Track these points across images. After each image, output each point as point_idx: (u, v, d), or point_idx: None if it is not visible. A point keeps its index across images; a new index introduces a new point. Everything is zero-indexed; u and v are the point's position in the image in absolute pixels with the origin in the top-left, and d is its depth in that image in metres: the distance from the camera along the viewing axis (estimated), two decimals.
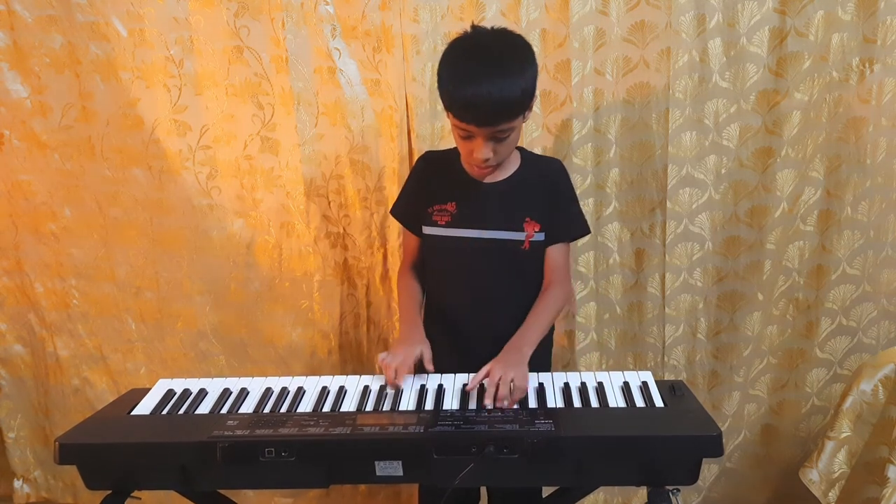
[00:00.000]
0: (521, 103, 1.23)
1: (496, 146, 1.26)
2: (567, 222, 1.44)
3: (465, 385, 1.24)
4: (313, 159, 1.75)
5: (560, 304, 1.42)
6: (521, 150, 1.42)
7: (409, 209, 1.48)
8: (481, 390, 1.21)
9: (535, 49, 1.63)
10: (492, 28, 1.27)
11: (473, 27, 1.28)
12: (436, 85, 1.26)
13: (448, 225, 1.39)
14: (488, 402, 1.16)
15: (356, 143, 1.75)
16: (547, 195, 1.41)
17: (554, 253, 1.43)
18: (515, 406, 1.15)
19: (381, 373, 1.27)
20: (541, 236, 1.39)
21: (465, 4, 1.64)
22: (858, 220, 1.70)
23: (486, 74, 1.19)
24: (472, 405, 1.17)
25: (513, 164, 1.40)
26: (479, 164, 1.29)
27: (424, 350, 1.31)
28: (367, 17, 1.66)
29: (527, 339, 1.32)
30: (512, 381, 1.17)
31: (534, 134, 1.70)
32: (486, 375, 1.21)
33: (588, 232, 1.48)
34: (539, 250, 1.41)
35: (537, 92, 1.28)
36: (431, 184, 1.43)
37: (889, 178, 1.67)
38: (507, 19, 1.64)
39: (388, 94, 1.71)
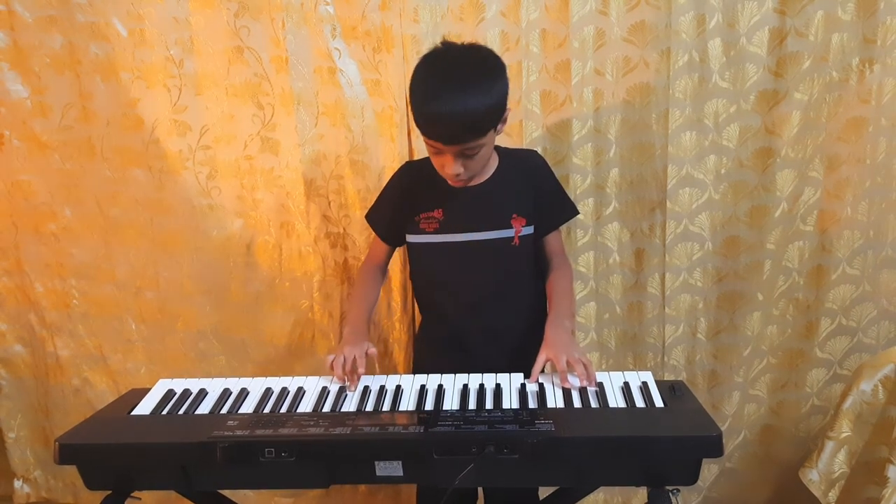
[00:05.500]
0: (487, 120, 1.23)
1: (466, 162, 1.27)
2: (558, 210, 1.49)
3: (471, 385, 1.23)
4: (313, 159, 1.76)
5: (572, 280, 1.50)
6: (496, 147, 1.42)
7: (385, 217, 1.50)
8: (478, 393, 1.21)
9: (535, 49, 1.65)
10: (462, 44, 1.28)
11: (444, 43, 1.28)
12: None
13: (437, 231, 1.41)
14: (569, 384, 1.20)
15: (356, 143, 1.75)
16: (532, 189, 1.44)
17: (551, 240, 1.48)
18: (516, 406, 1.15)
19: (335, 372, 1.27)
20: (529, 230, 1.42)
21: (465, 4, 1.64)
22: (858, 220, 1.70)
23: (450, 92, 1.19)
24: (472, 405, 1.17)
25: (492, 164, 1.42)
26: (451, 179, 1.31)
27: (369, 347, 1.30)
28: (367, 18, 1.67)
29: (563, 312, 1.36)
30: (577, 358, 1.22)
31: (534, 134, 1.70)
32: (545, 363, 1.25)
33: (577, 212, 1.54)
34: (529, 244, 1.43)
35: (509, 105, 1.29)
36: (415, 193, 1.44)
37: (889, 179, 1.67)
38: (507, 20, 1.64)
39: (388, 94, 1.71)
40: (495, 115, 1.24)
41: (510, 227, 1.40)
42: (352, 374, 1.26)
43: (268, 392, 1.25)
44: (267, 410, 1.19)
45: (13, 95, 1.78)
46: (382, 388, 1.24)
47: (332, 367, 1.28)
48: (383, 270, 1.56)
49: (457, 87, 1.20)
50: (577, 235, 1.76)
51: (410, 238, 1.45)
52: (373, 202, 1.54)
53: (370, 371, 1.30)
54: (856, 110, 1.63)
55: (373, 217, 1.53)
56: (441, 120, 1.20)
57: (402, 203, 1.45)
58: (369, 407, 1.19)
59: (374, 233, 1.54)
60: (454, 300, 1.45)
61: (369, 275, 1.52)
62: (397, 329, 1.86)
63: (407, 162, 1.59)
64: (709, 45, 1.62)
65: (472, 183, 1.40)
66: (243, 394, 1.25)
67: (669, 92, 1.64)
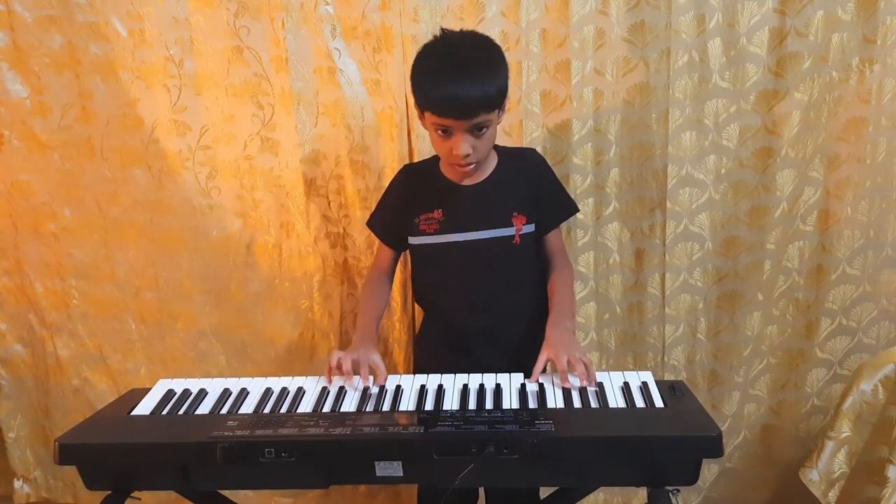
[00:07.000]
0: (497, 96, 1.25)
1: (475, 142, 1.28)
2: (558, 207, 1.49)
3: (471, 385, 1.23)
4: (313, 159, 1.76)
5: (573, 280, 1.49)
6: (494, 147, 1.43)
7: (387, 222, 1.50)
8: (479, 393, 1.21)
9: (535, 49, 1.65)
10: (461, 31, 1.31)
11: (442, 31, 1.30)
12: None
13: (437, 232, 1.41)
14: (569, 384, 1.20)
15: (356, 143, 1.75)
16: (531, 187, 1.44)
17: (552, 238, 1.48)
18: (516, 406, 1.15)
19: (335, 373, 1.27)
20: (530, 228, 1.42)
21: (465, 4, 1.64)
22: (858, 219, 1.70)
23: (463, 68, 1.23)
24: (472, 405, 1.17)
25: (491, 163, 1.42)
26: (460, 162, 1.30)
27: (374, 356, 1.30)
28: (367, 17, 1.66)
29: (565, 312, 1.36)
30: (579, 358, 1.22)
31: (534, 134, 1.70)
32: (546, 363, 1.25)
33: (577, 209, 1.54)
34: (530, 242, 1.43)
35: (509, 105, 1.31)
36: (415, 195, 1.44)
37: (889, 178, 1.67)
38: (507, 19, 1.64)
39: (388, 94, 1.71)
40: (502, 92, 1.27)
41: (510, 225, 1.40)
42: (349, 375, 1.26)
43: (268, 392, 1.25)
44: (267, 410, 1.19)
45: (13, 95, 1.78)
46: (382, 388, 1.24)
47: (328, 369, 1.28)
48: (390, 276, 1.55)
49: (467, 63, 1.23)
50: (577, 235, 1.76)
51: (411, 240, 1.45)
52: (374, 207, 1.54)
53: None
54: (856, 110, 1.63)
55: (374, 222, 1.54)
56: (457, 94, 1.21)
57: (402, 205, 1.46)
58: (369, 407, 1.19)
59: (377, 237, 1.55)
60: (455, 300, 1.45)
61: (376, 281, 1.52)
62: (397, 329, 1.86)
63: (405, 165, 1.60)
64: (709, 45, 1.62)
65: (471, 181, 1.40)
66: (243, 394, 1.25)
67: (669, 92, 1.64)
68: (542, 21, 1.64)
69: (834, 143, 1.67)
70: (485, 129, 1.27)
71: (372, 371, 1.28)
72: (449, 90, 1.22)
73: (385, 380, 1.27)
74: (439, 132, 1.28)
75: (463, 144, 1.26)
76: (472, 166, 1.33)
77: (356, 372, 1.26)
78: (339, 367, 1.26)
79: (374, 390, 1.24)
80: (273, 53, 1.69)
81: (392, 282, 1.57)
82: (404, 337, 1.87)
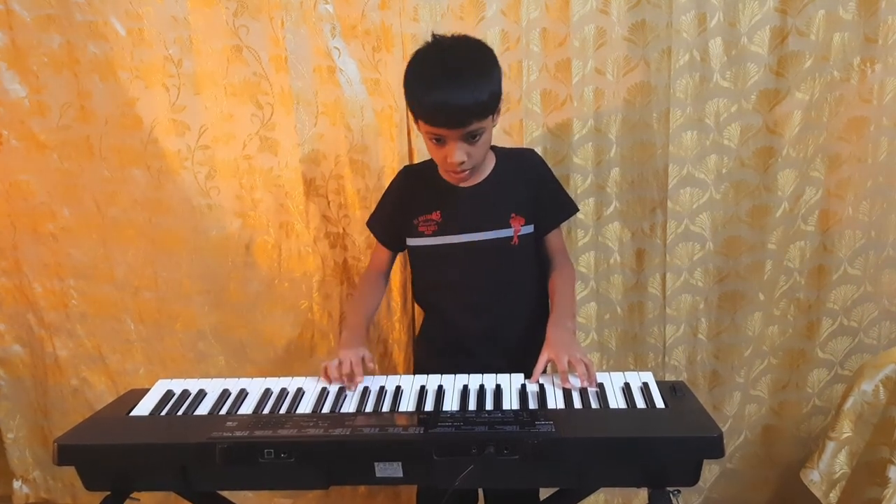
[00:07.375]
0: (490, 102, 1.25)
1: (469, 149, 1.27)
2: (557, 208, 1.48)
3: (471, 385, 1.23)
4: (313, 159, 1.75)
5: (574, 280, 1.49)
6: (492, 147, 1.42)
7: (385, 222, 1.50)
8: (479, 394, 1.21)
9: (535, 48, 1.65)
10: (452, 35, 1.30)
11: (434, 37, 1.30)
12: None
13: (435, 234, 1.41)
14: (570, 384, 1.19)
15: (356, 142, 1.74)
16: (529, 188, 1.44)
17: (552, 238, 1.48)
18: (516, 407, 1.15)
19: (329, 378, 1.27)
20: (528, 229, 1.41)
21: (465, 3, 1.64)
22: (860, 219, 1.70)
23: (454, 76, 1.22)
24: (472, 406, 1.17)
25: (489, 164, 1.42)
26: (455, 169, 1.30)
27: (365, 353, 1.31)
28: (366, 17, 1.66)
29: (566, 312, 1.36)
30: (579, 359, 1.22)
31: (534, 133, 1.70)
32: (547, 363, 1.24)
33: (577, 209, 1.53)
34: (529, 243, 1.43)
35: (508, 105, 1.30)
36: (414, 196, 1.44)
37: (890, 178, 1.67)
38: (507, 18, 1.64)
39: (387, 93, 1.70)
40: (495, 97, 1.26)
41: (509, 226, 1.39)
42: (349, 378, 1.26)
43: (267, 393, 1.25)
44: (266, 411, 1.19)
45: (11, 95, 1.77)
46: (382, 388, 1.24)
47: (325, 372, 1.28)
48: (385, 277, 1.55)
49: (459, 71, 1.22)
50: (577, 235, 1.76)
51: (410, 241, 1.45)
52: (374, 207, 1.54)
53: (373, 372, 1.30)
54: (857, 110, 1.63)
55: (373, 222, 1.54)
56: (448, 104, 1.21)
57: (401, 207, 1.46)
58: (369, 408, 1.18)
59: (375, 238, 1.54)
60: (454, 301, 1.45)
61: (371, 281, 1.52)
62: (397, 329, 1.86)
63: (405, 166, 1.60)
64: (710, 44, 1.61)
65: (469, 183, 1.39)
66: (242, 394, 1.25)
67: (670, 91, 1.64)
68: (543, 20, 1.64)
69: (835, 143, 1.66)
70: (478, 136, 1.27)
71: (364, 369, 1.28)
72: (440, 100, 1.21)
73: (373, 363, 1.29)
74: (433, 140, 1.28)
75: (457, 152, 1.26)
76: (467, 172, 1.33)
77: (349, 375, 1.26)
78: (336, 374, 1.26)
79: (374, 389, 1.23)
80: (272, 53, 1.68)
81: (387, 282, 1.57)
82: (404, 337, 1.86)
